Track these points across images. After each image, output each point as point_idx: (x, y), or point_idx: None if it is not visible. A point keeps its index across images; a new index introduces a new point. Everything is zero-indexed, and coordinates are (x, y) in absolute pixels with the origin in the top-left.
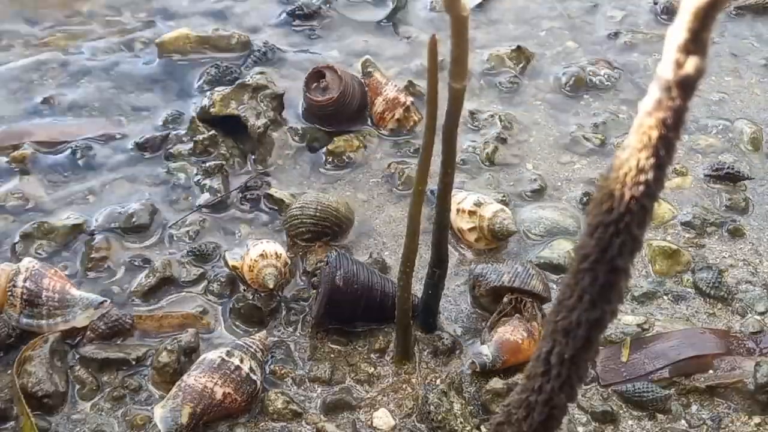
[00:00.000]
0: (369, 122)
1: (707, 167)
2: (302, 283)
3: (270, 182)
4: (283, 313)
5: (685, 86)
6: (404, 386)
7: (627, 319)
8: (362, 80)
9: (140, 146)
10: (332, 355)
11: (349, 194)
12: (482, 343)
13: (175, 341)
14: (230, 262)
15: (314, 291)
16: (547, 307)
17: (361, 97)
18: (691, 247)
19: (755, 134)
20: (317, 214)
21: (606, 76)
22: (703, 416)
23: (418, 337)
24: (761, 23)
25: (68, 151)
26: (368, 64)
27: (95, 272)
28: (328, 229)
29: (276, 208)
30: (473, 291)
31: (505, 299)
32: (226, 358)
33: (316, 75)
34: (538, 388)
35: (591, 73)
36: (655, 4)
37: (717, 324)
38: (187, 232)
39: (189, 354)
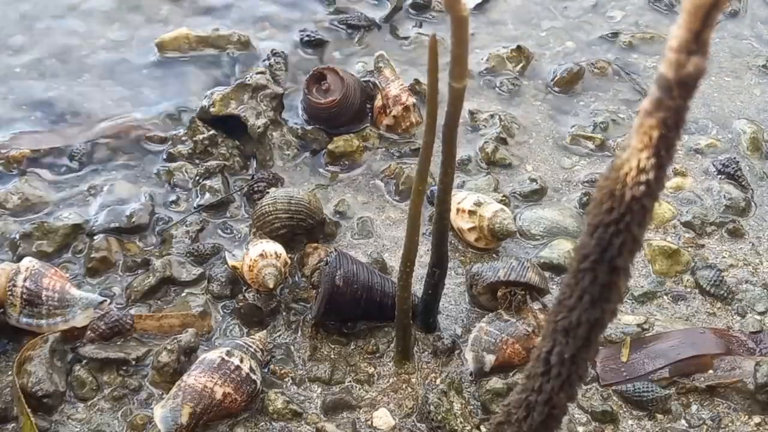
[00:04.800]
0: (369, 120)
1: (717, 163)
2: (302, 283)
3: (281, 180)
4: (283, 313)
5: (686, 86)
6: (404, 386)
7: (627, 319)
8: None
9: (140, 145)
10: (332, 355)
11: (350, 195)
12: (489, 352)
13: (175, 341)
14: (230, 262)
15: (314, 291)
16: (545, 300)
17: (361, 97)
18: (691, 247)
19: (755, 134)
20: (291, 207)
21: (603, 74)
22: (703, 416)
23: (418, 337)
24: (761, 24)
25: (68, 152)
26: (380, 59)
27: (95, 272)
28: (302, 222)
29: None
30: (471, 290)
31: (498, 293)
32: (226, 358)
33: (317, 77)
34: (538, 388)
35: (589, 72)
36: None
37: (717, 324)
38: (187, 232)
39: (189, 354)
